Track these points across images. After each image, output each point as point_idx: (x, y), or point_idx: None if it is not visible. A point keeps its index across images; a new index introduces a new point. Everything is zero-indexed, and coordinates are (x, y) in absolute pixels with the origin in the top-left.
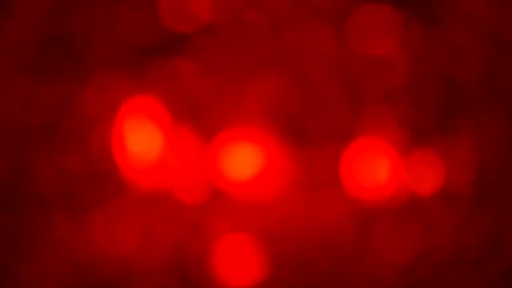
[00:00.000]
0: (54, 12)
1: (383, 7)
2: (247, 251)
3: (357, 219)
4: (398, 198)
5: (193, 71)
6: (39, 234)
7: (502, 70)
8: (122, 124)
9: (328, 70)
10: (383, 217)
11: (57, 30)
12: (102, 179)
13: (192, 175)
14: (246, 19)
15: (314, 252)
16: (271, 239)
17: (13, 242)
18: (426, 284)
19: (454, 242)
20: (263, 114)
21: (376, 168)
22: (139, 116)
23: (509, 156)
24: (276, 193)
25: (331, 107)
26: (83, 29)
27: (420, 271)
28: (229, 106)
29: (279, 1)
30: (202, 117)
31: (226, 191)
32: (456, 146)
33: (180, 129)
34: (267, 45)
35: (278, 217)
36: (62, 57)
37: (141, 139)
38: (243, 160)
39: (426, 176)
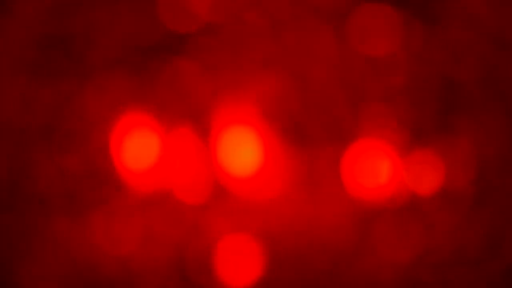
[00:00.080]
0: (54, 12)
1: (383, 7)
2: (247, 251)
3: (357, 219)
4: (398, 198)
5: (193, 71)
6: (39, 234)
7: (502, 70)
8: (122, 124)
9: (328, 70)
10: (383, 217)
11: (57, 30)
12: (102, 179)
13: (192, 175)
14: (246, 19)
15: (314, 252)
16: (271, 239)
17: (13, 242)
18: (426, 284)
19: (454, 242)
20: (263, 114)
21: (376, 168)
22: (139, 116)
23: (509, 156)
24: (276, 193)
25: (331, 107)
26: (83, 29)
27: (420, 271)
28: (229, 106)
29: (279, 1)
30: (202, 117)
31: (226, 191)
32: (456, 146)
33: (180, 129)
34: (267, 45)
35: (278, 217)
36: (62, 57)
37: (141, 139)
38: (243, 160)
39: (426, 176)
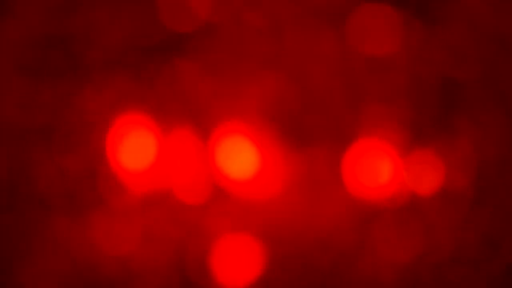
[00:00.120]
0: (54, 12)
1: (383, 7)
2: (247, 251)
3: (357, 219)
4: (398, 198)
5: (193, 71)
6: (39, 234)
7: (502, 70)
8: (121, 124)
9: (328, 70)
10: (383, 217)
11: (57, 30)
12: (102, 179)
13: (192, 175)
14: (246, 19)
15: (314, 252)
16: (271, 239)
17: (13, 242)
18: (426, 284)
19: (454, 242)
20: (263, 114)
21: (376, 168)
22: (139, 116)
23: (509, 156)
24: (276, 193)
25: (331, 107)
26: (83, 29)
27: (420, 271)
28: (229, 106)
29: (279, 1)
30: (202, 117)
31: (226, 191)
32: (456, 146)
33: (180, 128)
34: (267, 45)
35: (278, 217)
36: (62, 57)
37: (141, 139)
38: (243, 160)
39: (426, 176)
